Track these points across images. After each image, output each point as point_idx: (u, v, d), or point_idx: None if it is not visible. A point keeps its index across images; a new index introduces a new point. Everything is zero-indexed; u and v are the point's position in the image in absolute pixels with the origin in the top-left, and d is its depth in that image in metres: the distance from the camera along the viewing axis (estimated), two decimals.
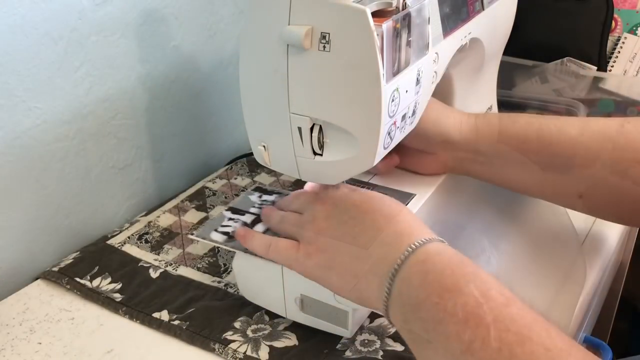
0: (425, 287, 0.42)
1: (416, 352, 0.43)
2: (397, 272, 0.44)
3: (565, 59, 0.93)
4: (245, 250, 0.57)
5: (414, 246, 0.44)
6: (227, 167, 0.86)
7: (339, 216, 0.50)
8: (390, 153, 0.65)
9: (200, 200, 0.78)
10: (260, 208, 0.63)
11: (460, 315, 0.39)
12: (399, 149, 0.63)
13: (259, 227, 0.59)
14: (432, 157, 0.64)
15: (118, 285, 0.64)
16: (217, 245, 0.59)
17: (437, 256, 0.43)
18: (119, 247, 0.70)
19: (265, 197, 0.65)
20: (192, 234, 0.62)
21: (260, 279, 0.57)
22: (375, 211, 0.49)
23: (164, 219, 0.75)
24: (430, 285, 0.42)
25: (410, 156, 0.65)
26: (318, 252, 0.50)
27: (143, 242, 0.70)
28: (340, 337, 0.56)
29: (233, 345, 0.56)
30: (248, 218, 0.61)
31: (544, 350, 0.36)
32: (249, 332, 0.57)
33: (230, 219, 0.62)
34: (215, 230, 0.60)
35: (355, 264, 0.48)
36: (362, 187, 0.64)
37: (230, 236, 0.59)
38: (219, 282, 0.64)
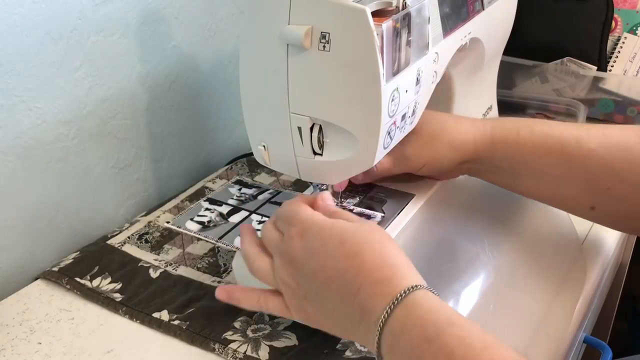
0: None
1: None
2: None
3: (565, 59, 0.93)
4: (217, 240, 0.57)
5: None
6: (227, 167, 0.86)
7: (306, 276, 0.49)
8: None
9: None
10: (238, 200, 0.63)
11: None
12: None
13: (235, 218, 0.59)
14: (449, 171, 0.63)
15: (118, 285, 0.64)
16: (189, 234, 0.59)
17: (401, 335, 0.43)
18: (119, 247, 0.70)
19: (244, 190, 0.65)
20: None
21: None
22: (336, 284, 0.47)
23: (164, 218, 0.74)
24: None
25: None
26: (292, 300, 0.50)
27: (143, 242, 0.70)
28: (340, 337, 0.56)
29: (233, 345, 0.56)
30: (225, 209, 0.61)
31: None
32: (249, 332, 0.57)
33: (206, 209, 0.62)
34: (191, 219, 0.60)
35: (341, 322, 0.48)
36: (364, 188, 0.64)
37: (204, 226, 0.59)
38: (219, 282, 0.64)
